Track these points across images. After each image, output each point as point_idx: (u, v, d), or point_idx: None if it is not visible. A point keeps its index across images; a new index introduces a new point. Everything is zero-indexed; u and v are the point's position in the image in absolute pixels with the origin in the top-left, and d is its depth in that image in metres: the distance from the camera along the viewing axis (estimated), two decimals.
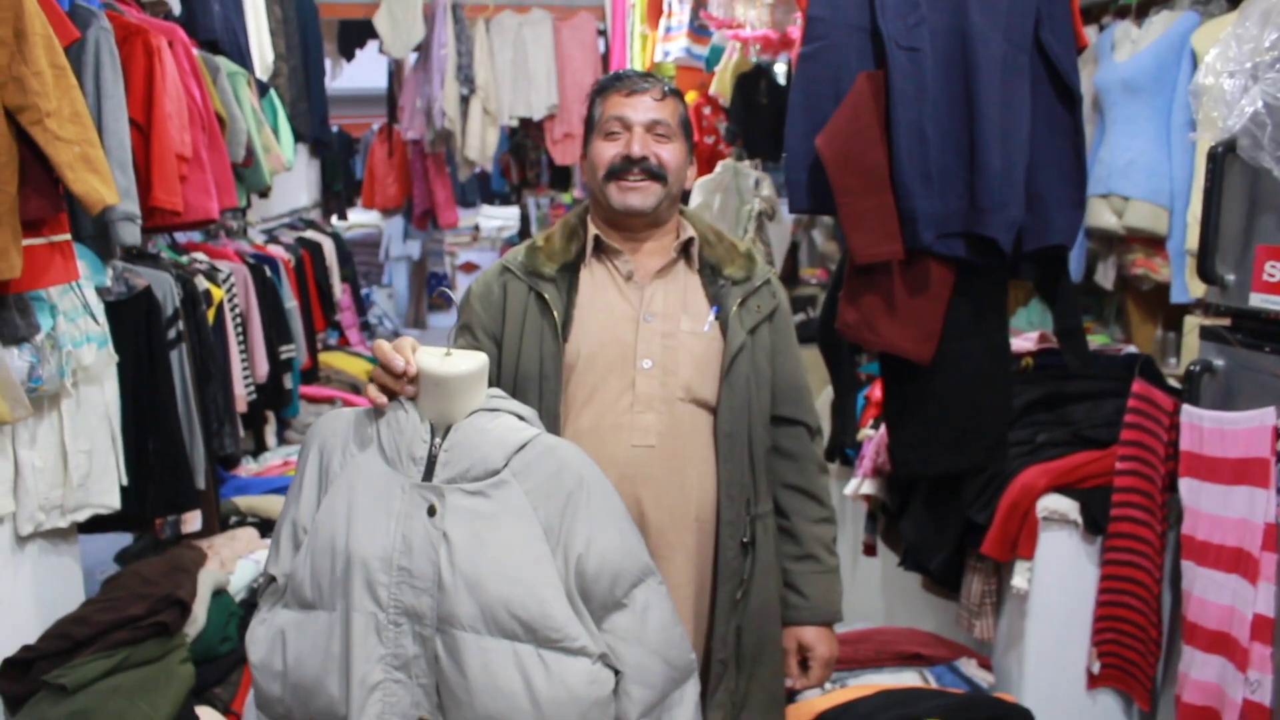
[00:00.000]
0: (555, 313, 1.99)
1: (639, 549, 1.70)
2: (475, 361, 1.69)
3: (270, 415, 4.72)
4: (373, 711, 1.59)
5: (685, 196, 4.47)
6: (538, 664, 1.56)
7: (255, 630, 1.71)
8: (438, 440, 1.67)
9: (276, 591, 1.72)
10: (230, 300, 4.01)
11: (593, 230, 2.06)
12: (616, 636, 1.64)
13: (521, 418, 1.73)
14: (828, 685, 2.68)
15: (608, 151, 2.00)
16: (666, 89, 2.04)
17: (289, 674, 1.65)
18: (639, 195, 1.99)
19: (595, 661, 1.59)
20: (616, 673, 1.63)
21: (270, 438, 4.72)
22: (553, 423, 1.94)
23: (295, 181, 6.64)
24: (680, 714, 1.70)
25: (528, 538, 1.61)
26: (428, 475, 1.65)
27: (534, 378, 1.97)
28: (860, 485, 3.31)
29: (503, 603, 1.57)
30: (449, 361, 1.67)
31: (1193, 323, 2.91)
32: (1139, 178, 3.15)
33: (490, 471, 1.64)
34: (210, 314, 3.69)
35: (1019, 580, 2.73)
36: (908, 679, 2.80)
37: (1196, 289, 2.87)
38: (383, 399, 1.70)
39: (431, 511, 1.61)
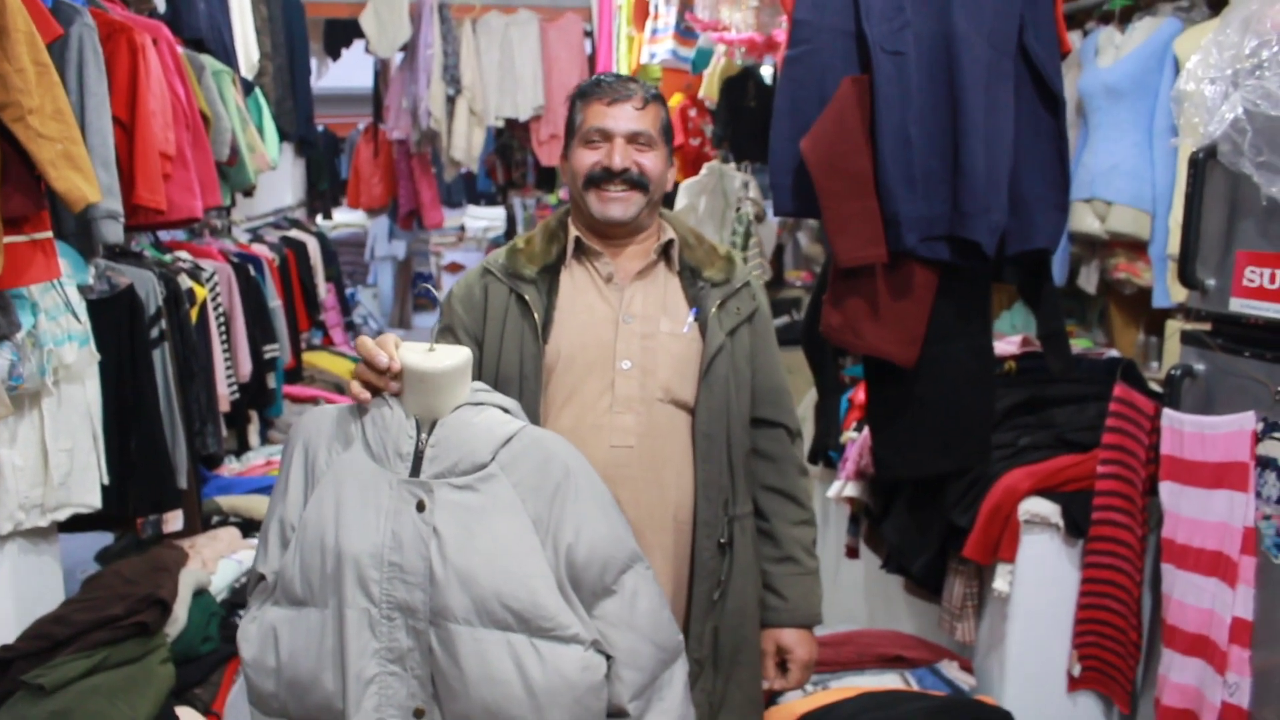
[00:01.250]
0: (536, 314, 2.00)
1: (626, 536, 1.72)
2: (459, 356, 1.70)
3: (253, 415, 4.70)
4: (370, 704, 1.61)
5: (668, 199, 4.48)
6: (531, 653, 1.58)
7: (247, 628, 1.72)
8: (424, 436, 1.68)
9: (266, 589, 1.72)
10: (214, 299, 4.00)
11: (573, 232, 2.07)
12: (607, 622, 1.66)
13: (506, 410, 1.74)
14: (809, 687, 2.68)
15: (588, 159, 2.01)
16: (648, 96, 2.04)
17: (283, 670, 1.67)
18: (620, 205, 2.00)
19: (588, 648, 1.62)
20: (608, 658, 1.65)
21: (253, 437, 4.70)
22: (532, 423, 1.95)
23: (280, 180, 6.62)
24: (670, 694, 1.72)
25: (517, 530, 1.63)
26: (415, 471, 1.66)
27: (514, 378, 1.97)
28: (843, 488, 3.32)
29: (495, 595, 1.59)
30: (432, 357, 1.68)
31: (1174, 327, 2.92)
32: (1122, 182, 3.17)
33: (478, 465, 1.65)
34: (193, 313, 3.67)
35: (1000, 583, 2.74)
36: (889, 681, 2.81)
37: (1178, 293, 2.88)
38: (366, 395, 1.70)
39: (420, 507, 1.62)
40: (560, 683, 1.58)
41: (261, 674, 1.69)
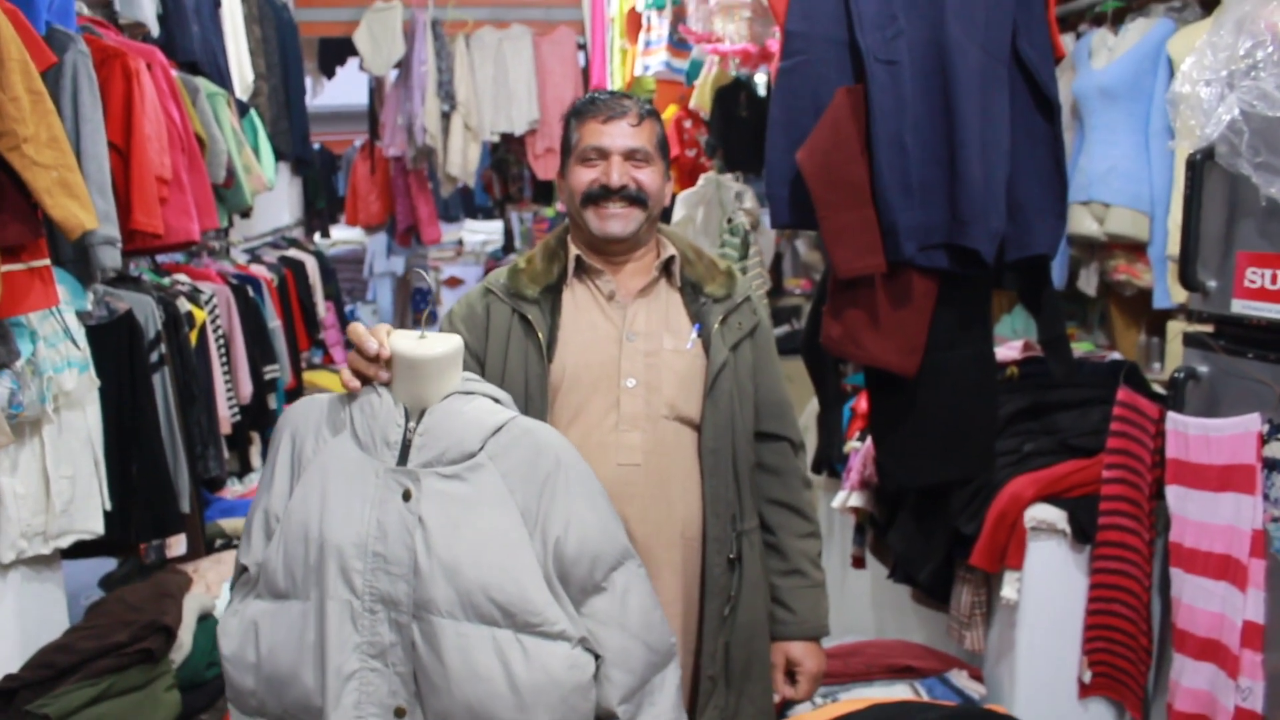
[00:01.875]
0: (540, 334, 1.99)
1: (618, 532, 1.69)
2: (450, 344, 1.68)
3: (255, 436, 4.70)
4: (349, 701, 1.57)
5: (666, 214, 4.46)
6: (517, 649, 1.55)
7: (227, 622, 1.68)
8: (412, 424, 1.65)
9: (249, 582, 1.69)
10: (213, 321, 4.00)
11: (573, 251, 2.07)
12: (596, 620, 1.63)
13: (497, 400, 1.72)
14: (818, 700, 2.67)
15: (585, 177, 2.01)
16: (643, 111, 2.04)
17: (262, 665, 1.63)
18: (619, 222, 2.00)
19: (575, 646, 1.58)
20: (597, 657, 1.62)
21: (255, 458, 4.70)
22: None
23: (277, 200, 6.63)
24: (661, 698, 1.69)
25: (505, 522, 1.60)
26: (402, 460, 1.63)
27: (519, 398, 1.97)
28: (848, 498, 3.31)
29: (480, 587, 1.55)
30: (423, 344, 1.66)
31: (1176, 329, 2.91)
32: (1119, 184, 3.16)
33: (466, 454, 1.62)
34: (193, 336, 3.67)
35: (1008, 590, 2.73)
36: (899, 692, 2.79)
37: (1179, 294, 2.87)
38: (356, 384, 1.69)
39: (406, 496, 1.59)
40: (546, 681, 1.55)
41: (240, 669, 1.65)
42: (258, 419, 4.59)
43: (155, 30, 3.89)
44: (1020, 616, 2.74)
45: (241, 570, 1.72)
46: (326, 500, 1.62)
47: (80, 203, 2.49)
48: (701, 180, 4.77)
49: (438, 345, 1.67)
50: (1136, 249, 3.24)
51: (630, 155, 2.00)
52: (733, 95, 4.96)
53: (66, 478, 2.77)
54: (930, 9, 2.40)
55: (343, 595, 1.58)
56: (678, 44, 5.38)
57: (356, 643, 1.58)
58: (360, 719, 1.58)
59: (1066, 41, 3.42)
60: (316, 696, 1.59)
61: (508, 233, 10.81)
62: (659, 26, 5.58)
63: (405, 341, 1.66)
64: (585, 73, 7.54)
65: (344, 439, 1.67)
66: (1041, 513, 2.70)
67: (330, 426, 1.69)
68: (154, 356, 3.26)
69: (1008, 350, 3.29)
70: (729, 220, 4.41)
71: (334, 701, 1.57)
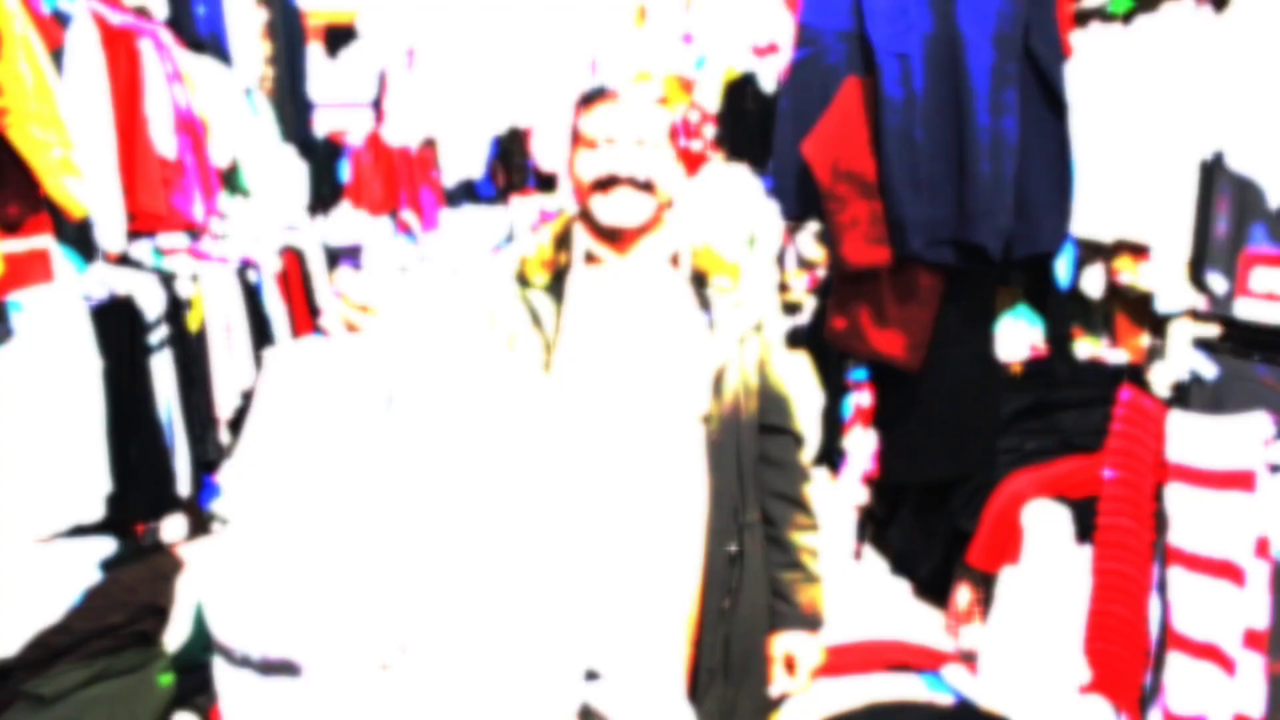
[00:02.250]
0: (546, 323, 1.97)
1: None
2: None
3: None
4: None
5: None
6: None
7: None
8: None
9: None
10: (214, 305, 3.99)
11: (581, 239, 2.05)
12: None
13: None
14: (815, 693, 2.66)
15: (593, 164, 1.99)
16: (651, 98, 2.02)
17: None
18: (627, 209, 1.98)
19: None
20: None
21: None
22: None
23: (280, 185, 6.59)
24: None
25: None
26: None
27: None
28: (849, 493, 3.30)
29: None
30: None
31: (1181, 330, 2.90)
32: None
33: None
34: (193, 319, 3.66)
35: (1007, 588, 2.72)
36: (895, 688, 2.78)
37: (1185, 297, 2.86)
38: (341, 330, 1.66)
39: None
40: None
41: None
42: None
43: (161, 12, 3.87)
44: (1018, 614, 2.73)
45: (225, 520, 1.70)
46: None
47: (83, 182, 2.48)
48: (706, 172, 4.76)
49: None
50: (1142, 250, 3.23)
51: (639, 141, 1.98)
52: (740, 89, 4.95)
53: (66, 459, 2.76)
54: (942, 4, 2.39)
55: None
56: (686, 36, 5.37)
57: None
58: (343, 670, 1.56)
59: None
60: None
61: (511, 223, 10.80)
62: (667, 18, 5.57)
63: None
64: (593, 64, 7.53)
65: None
66: (1041, 510, 2.69)
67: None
68: (154, 339, 3.25)
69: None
70: (735, 214, 4.40)
71: None
